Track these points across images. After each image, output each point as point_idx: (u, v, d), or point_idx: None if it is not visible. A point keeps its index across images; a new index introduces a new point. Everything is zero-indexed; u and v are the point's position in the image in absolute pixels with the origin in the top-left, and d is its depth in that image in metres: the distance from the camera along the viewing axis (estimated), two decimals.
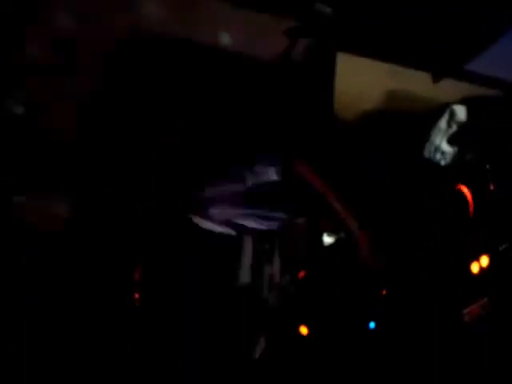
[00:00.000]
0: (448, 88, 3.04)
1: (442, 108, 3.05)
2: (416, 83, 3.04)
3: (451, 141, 2.99)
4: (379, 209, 2.76)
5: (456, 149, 2.98)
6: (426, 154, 3.05)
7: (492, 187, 2.54)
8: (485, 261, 2.36)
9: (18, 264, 2.90)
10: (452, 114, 3.01)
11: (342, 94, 3.03)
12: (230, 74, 2.83)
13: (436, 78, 2.97)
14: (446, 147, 3.00)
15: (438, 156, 3.02)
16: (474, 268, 2.37)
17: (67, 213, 3.09)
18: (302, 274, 2.70)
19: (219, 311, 2.51)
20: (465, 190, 2.58)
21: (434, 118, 3.06)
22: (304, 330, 2.56)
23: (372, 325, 2.50)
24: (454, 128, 3.00)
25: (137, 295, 2.67)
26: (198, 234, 2.64)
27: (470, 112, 2.99)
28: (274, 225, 2.72)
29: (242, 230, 2.69)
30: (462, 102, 3.03)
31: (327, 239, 2.74)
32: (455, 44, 2.76)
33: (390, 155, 2.96)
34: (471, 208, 2.51)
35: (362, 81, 3.02)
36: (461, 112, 3.00)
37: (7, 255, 2.89)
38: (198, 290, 2.54)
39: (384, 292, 2.51)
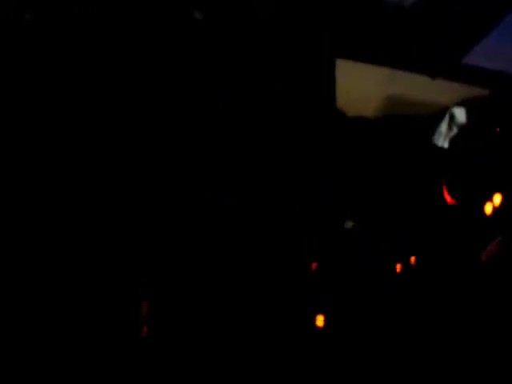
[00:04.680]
0: (447, 91, 3.07)
1: (442, 111, 3.08)
2: (415, 87, 3.08)
3: (452, 144, 3.00)
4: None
5: None
6: None
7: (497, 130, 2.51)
8: (497, 199, 2.30)
9: None
10: (452, 117, 3.03)
11: (341, 101, 3.06)
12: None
13: (433, 75, 3.00)
14: None
15: None
16: (488, 209, 2.31)
17: None
18: (314, 265, 2.59)
19: None
20: None
21: (434, 122, 3.09)
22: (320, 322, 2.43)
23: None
24: (455, 131, 3.02)
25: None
26: None
27: (469, 113, 3.02)
28: None
29: None
30: (461, 103, 3.05)
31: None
32: (450, 36, 2.82)
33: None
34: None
35: (361, 86, 3.07)
36: (460, 114, 3.02)
37: None
38: None
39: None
